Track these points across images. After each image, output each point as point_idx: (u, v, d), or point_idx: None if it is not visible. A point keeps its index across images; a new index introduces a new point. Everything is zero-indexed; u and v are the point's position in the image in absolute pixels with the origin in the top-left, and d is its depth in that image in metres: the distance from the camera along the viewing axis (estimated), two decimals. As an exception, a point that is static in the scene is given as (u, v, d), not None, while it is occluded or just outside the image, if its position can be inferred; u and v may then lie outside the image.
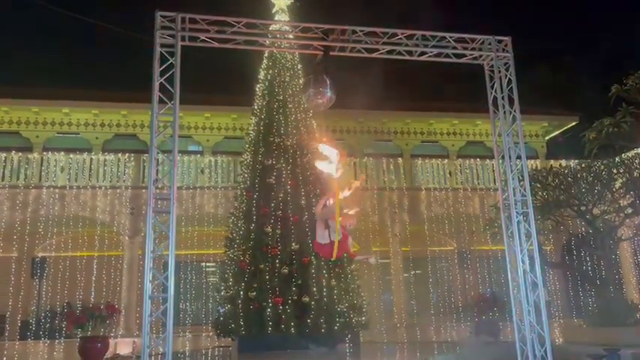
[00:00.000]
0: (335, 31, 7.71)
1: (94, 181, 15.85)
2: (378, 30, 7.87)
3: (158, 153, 6.98)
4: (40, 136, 18.10)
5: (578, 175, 13.27)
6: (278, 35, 9.01)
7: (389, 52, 7.99)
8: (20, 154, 15.99)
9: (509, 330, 14.16)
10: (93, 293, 15.36)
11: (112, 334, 14.06)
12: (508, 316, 12.80)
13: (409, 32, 7.93)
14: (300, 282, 10.35)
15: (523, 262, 7.52)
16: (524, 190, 7.82)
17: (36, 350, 14.21)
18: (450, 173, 18.34)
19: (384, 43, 7.89)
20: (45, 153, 16.45)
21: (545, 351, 7.23)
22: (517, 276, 7.52)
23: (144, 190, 15.14)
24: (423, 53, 8.05)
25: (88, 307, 14.33)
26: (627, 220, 14.09)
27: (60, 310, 14.81)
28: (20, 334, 15.04)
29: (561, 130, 21.68)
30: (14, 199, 15.08)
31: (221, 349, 12.91)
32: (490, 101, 8.23)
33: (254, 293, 10.18)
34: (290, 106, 12.19)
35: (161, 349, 6.80)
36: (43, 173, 15.79)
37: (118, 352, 13.25)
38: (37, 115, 18.07)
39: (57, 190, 15.40)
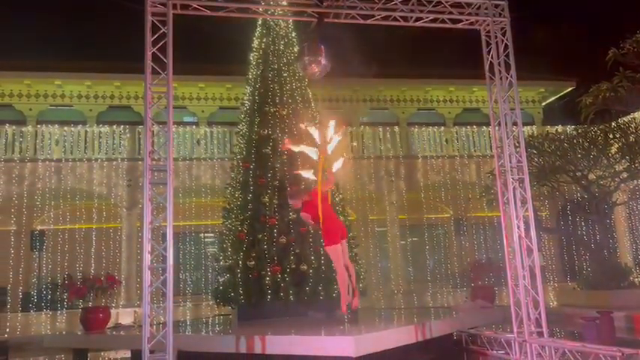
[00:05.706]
0: (329, -3, 7.57)
1: (90, 154, 15.82)
2: (373, -5, 7.73)
3: (153, 124, 6.92)
4: (34, 109, 17.93)
5: (574, 141, 13.28)
6: (271, 2, 8.84)
7: (384, 18, 7.86)
8: (14, 127, 15.89)
9: (504, 295, 14.41)
10: (93, 265, 15.52)
11: (113, 305, 14.25)
12: (503, 281, 13.00)
13: (405, -3, 7.80)
14: (298, 251, 10.43)
15: (518, 227, 7.58)
16: (520, 157, 7.82)
17: (39, 321, 14.44)
18: (446, 141, 18.35)
19: (380, 9, 7.76)
20: (39, 126, 16.34)
21: (540, 314, 7.37)
22: (512, 241, 7.60)
23: (140, 162, 15.13)
24: (418, 19, 7.93)
25: (89, 278, 14.47)
26: (622, 185, 14.18)
27: (60, 281, 14.96)
28: (22, 305, 15.26)
29: (558, 96, 21.60)
30: (10, 173, 15.06)
31: (221, 317, 13.11)
32: (486, 67, 8.15)
33: (253, 262, 10.27)
34: (285, 74, 12.04)
35: (162, 318, 6.88)
36: (37, 146, 15.74)
37: (119, 322, 13.45)
38: (29, 87, 17.86)
39: (52, 163, 15.38)
